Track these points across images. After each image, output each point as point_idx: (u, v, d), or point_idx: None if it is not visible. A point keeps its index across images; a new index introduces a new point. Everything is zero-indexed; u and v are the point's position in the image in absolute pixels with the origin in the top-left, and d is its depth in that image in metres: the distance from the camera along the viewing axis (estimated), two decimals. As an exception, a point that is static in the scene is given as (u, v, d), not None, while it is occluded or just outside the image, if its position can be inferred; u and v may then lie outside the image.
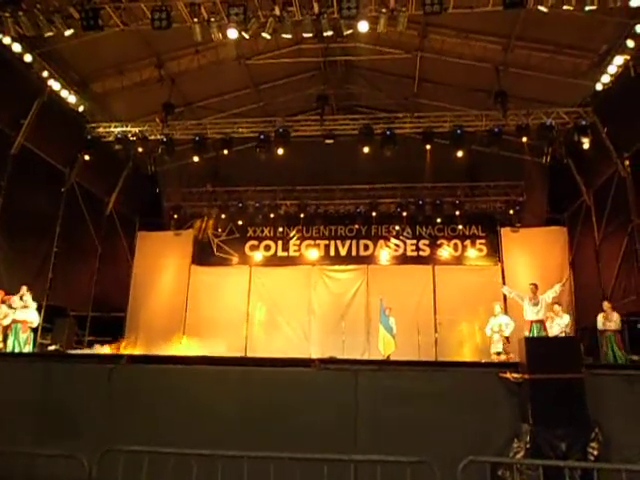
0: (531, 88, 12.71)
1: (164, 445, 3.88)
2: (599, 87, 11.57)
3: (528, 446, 4.55)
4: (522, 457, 4.55)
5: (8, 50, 10.77)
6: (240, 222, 17.32)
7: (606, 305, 10.57)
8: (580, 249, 15.12)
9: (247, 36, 9.90)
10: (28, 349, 9.94)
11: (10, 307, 9.74)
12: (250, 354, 14.66)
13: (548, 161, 14.62)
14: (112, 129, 13.86)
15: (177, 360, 5.97)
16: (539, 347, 5.18)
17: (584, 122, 12.34)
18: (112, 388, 5.14)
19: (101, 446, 3.81)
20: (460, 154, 13.33)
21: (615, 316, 10.31)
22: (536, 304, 10.27)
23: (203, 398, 5.07)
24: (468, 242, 16.65)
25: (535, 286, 10.50)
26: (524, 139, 12.98)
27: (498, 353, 10.91)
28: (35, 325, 10.37)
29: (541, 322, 10.26)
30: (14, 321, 9.70)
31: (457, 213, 16.38)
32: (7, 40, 10.55)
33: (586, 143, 12.19)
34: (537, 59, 11.80)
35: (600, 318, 10.39)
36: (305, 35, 10.14)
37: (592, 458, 4.42)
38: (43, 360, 6.79)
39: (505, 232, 16.37)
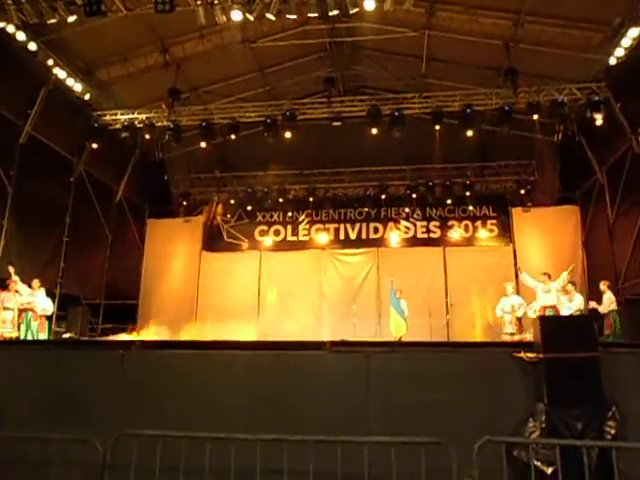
0: (542, 64, 12.43)
1: (177, 429, 3.90)
2: (612, 61, 11.24)
3: (543, 426, 4.50)
4: (537, 437, 4.50)
5: (12, 39, 10.70)
6: (249, 207, 17.33)
7: (601, 285, 10.76)
8: (593, 228, 14.92)
9: (252, 18, 9.73)
10: (43, 337, 10.04)
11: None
12: (262, 338, 14.72)
13: (560, 139, 14.41)
14: (119, 116, 13.81)
15: (188, 345, 5.99)
16: (554, 326, 5.09)
17: (597, 98, 12.06)
18: (124, 373, 5.16)
19: (114, 430, 3.84)
20: (470, 134, 13.16)
21: (605, 298, 10.42)
22: (548, 291, 10.51)
23: (214, 382, 5.08)
24: (479, 223, 16.54)
25: (548, 275, 10.72)
26: (535, 117, 12.76)
27: (511, 334, 10.88)
28: (49, 314, 10.46)
29: (553, 307, 10.40)
30: (24, 309, 9.78)
31: (467, 194, 16.25)
32: (11, 28, 10.47)
33: (599, 119, 11.95)
34: (548, 34, 11.48)
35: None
36: (310, 15, 9.97)
37: (609, 437, 4.36)
38: (56, 347, 6.86)
39: (516, 212, 16.22)
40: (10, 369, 5.43)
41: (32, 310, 9.86)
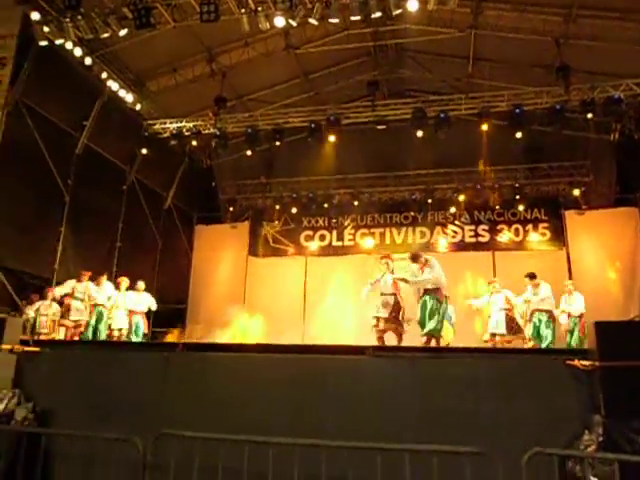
0: (596, 60, 11.88)
1: (217, 430, 3.92)
2: (674, 53, 10.66)
3: (601, 439, 4.23)
4: (594, 451, 4.23)
5: (70, 55, 11.23)
6: (295, 212, 17.40)
7: (569, 285, 10.49)
8: (655, 231, 14.11)
9: (294, 23, 9.81)
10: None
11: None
12: (307, 343, 14.70)
13: (616, 138, 13.70)
14: (167, 125, 14.21)
15: (231, 348, 6.04)
16: (611, 332, 4.77)
17: (657, 93, 11.44)
18: (168, 375, 5.27)
19: (156, 431, 3.91)
20: (519, 135, 12.73)
21: (574, 299, 10.13)
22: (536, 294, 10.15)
23: (256, 385, 5.09)
24: (530, 226, 15.98)
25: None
26: (589, 115, 12.20)
27: None
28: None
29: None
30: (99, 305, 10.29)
31: (517, 197, 15.70)
32: (69, 45, 10.98)
33: (660, 115, 11.32)
34: (602, 28, 10.97)
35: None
36: (353, 18, 9.92)
37: (674, 453, 4.06)
38: (104, 347, 7.09)
39: (570, 215, 15.54)
40: (61, 368, 5.65)
41: (103, 306, 10.36)
